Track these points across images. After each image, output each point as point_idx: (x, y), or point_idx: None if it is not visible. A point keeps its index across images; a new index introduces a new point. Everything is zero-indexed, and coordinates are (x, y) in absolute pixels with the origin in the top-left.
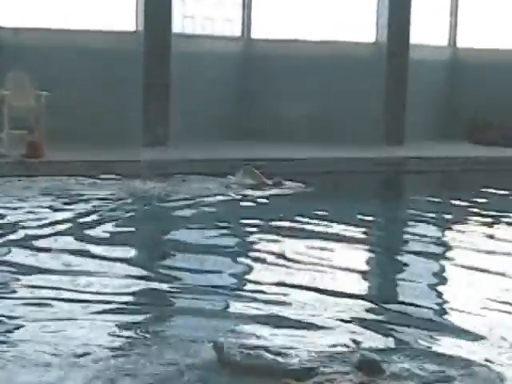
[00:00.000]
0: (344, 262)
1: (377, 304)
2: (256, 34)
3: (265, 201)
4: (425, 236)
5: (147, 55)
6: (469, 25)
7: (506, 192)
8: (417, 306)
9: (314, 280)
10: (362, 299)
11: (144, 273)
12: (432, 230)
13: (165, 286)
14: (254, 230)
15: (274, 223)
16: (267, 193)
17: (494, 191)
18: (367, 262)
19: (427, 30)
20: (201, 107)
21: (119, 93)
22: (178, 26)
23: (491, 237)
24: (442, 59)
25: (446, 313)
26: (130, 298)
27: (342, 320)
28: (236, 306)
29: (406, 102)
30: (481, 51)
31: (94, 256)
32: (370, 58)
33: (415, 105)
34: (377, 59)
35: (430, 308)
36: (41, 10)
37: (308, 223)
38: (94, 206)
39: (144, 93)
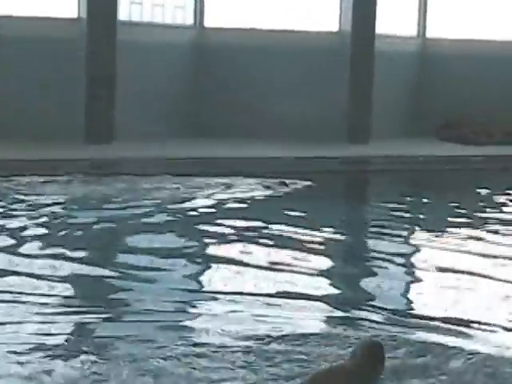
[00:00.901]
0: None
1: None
2: (209, 22)
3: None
4: (389, 230)
5: (91, 44)
6: (438, 14)
7: (473, 191)
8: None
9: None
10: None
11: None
12: (396, 228)
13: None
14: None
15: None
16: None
17: (460, 190)
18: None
19: (395, 19)
20: (148, 101)
21: (61, 86)
22: (125, 12)
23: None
24: (410, 50)
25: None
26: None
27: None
28: None
29: (371, 95)
30: (451, 42)
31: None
32: (333, 49)
33: (381, 99)
34: (340, 50)
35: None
36: None
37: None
38: (33, 208)
39: (87, 85)
